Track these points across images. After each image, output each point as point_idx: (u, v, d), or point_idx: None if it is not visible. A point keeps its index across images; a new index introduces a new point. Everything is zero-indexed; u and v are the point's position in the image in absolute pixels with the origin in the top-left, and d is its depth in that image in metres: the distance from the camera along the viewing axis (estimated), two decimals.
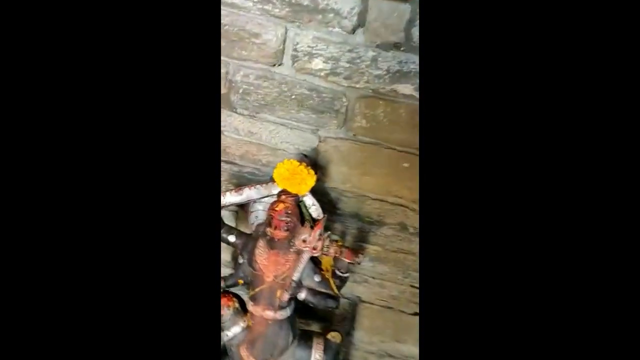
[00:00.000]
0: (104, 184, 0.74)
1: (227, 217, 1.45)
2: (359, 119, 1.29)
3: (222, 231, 1.28)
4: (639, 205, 0.68)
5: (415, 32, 1.15)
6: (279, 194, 1.23)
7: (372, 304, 1.51)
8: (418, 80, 1.20)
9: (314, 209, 1.26)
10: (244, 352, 1.29)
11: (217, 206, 1.23)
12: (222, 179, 1.41)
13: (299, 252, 1.22)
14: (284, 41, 1.24)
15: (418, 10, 1.12)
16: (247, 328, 1.30)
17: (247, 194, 1.26)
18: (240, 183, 1.40)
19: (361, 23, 1.18)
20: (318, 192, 1.29)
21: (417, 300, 1.45)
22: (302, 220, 1.23)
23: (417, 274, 1.41)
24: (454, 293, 0.74)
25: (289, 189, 1.21)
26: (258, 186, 1.27)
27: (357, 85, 1.25)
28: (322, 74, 1.25)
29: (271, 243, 1.23)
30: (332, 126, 1.31)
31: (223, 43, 1.25)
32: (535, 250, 0.71)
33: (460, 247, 0.73)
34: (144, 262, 0.75)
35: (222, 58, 1.27)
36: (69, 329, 0.73)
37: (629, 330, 0.69)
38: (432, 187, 0.74)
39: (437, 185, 0.74)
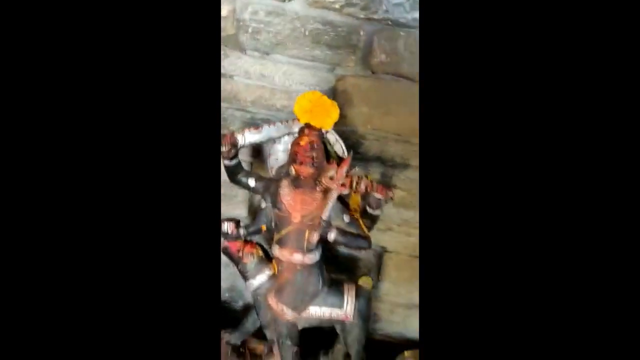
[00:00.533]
0: (101, 180, 0.73)
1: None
2: (378, 54, 1.21)
3: (240, 176, 1.21)
4: (636, 204, 0.68)
5: None
6: (301, 130, 1.16)
7: (398, 253, 1.43)
8: None
9: (338, 146, 1.19)
10: (272, 301, 1.23)
11: (217, 207, 1.15)
12: (234, 127, 1.33)
13: (326, 191, 1.15)
14: None
15: None
16: (274, 276, 1.23)
17: (267, 131, 1.18)
18: None
19: None
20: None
21: None
22: (327, 158, 1.17)
23: None
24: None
25: (313, 123, 1.14)
26: (278, 123, 1.19)
27: (375, 17, 1.17)
28: (336, 6, 1.17)
29: (296, 182, 1.16)
30: (350, 63, 1.24)
31: None
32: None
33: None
34: (144, 260, 0.74)
35: None
36: (70, 316, 0.72)
37: (625, 327, 0.68)
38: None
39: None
